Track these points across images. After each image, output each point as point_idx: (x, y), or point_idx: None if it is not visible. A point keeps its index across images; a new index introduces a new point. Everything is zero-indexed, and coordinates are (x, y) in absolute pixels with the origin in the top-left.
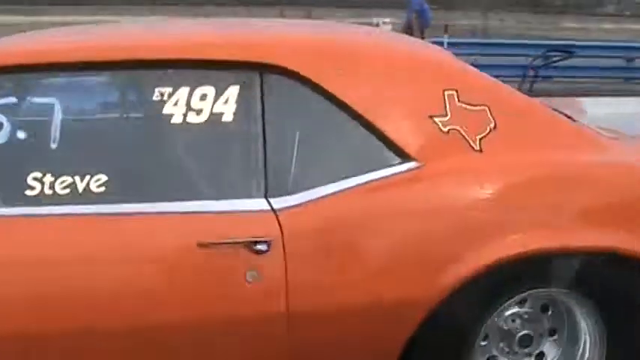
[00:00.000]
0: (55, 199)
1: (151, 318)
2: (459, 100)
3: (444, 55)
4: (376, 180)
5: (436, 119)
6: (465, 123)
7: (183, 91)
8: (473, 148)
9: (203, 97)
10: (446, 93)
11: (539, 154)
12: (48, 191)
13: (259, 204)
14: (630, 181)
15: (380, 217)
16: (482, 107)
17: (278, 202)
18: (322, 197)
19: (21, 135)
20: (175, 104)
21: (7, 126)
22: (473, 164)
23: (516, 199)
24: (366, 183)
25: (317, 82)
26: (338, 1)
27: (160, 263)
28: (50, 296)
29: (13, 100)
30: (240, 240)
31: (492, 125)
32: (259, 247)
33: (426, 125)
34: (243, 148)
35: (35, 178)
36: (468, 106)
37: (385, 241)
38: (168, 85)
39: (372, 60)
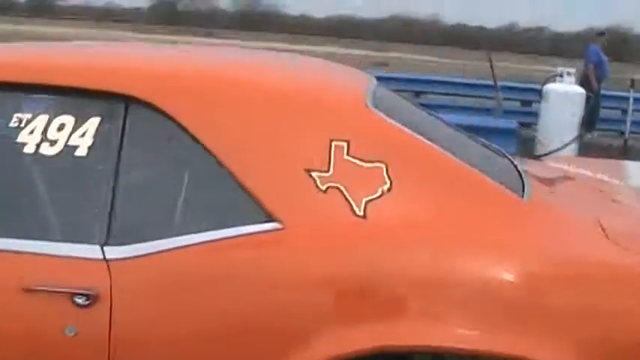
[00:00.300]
0: None
1: None
2: (347, 154)
3: (354, 93)
4: (229, 238)
5: (314, 174)
6: (350, 181)
7: (41, 119)
8: (354, 212)
9: (61, 128)
10: (333, 143)
11: (436, 228)
12: None
13: (92, 251)
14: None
15: (220, 280)
16: (377, 164)
17: (114, 252)
18: (165, 250)
19: None
20: (31, 132)
21: None
22: (347, 232)
23: (384, 283)
24: (218, 240)
25: (177, 119)
26: (514, 46)
27: None
28: None
29: None
30: (60, 289)
31: (386, 187)
32: (78, 299)
33: (299, 180)
34: (92, 187)
35: None
36: (359, 162)
37: (218, 306)
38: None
39: (245, 95)
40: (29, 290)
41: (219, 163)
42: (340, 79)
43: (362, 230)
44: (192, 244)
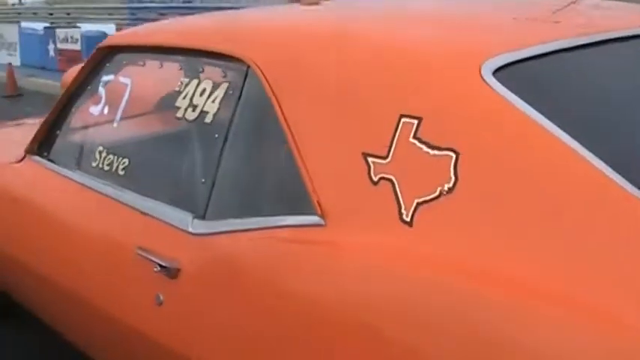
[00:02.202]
0: (101, 174)
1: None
2: (415, 136)
3: (473, 56)
4: (278, 227)
5: (370, 160)
6: (407, 173)
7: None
8: (400, 216)
9: (202, 92)
10: (402, 120)
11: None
12: (101, 165)
13: (186, 223)
14: None
15: (260, 271)
16: (446, 153)
17: (201, 226)
18: (233, 231)
19: (104, 110)
20: (184, 97)
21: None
22: (384, 244)
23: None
24: (268, 228)
25: (273, 87)
26: None
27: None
28: None
29: (109, 78)
30: (155, 257)
31: (449, 186)
32: (165, 270)
33: (353, 166)
34: (208, 157)
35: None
36: (425, 147)
37: (258, 296)
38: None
39: (331, 57)
40: (137, 249)
41: (293, 139)
42: (473, 34)
43: (401, 243)
44: (249, 229)
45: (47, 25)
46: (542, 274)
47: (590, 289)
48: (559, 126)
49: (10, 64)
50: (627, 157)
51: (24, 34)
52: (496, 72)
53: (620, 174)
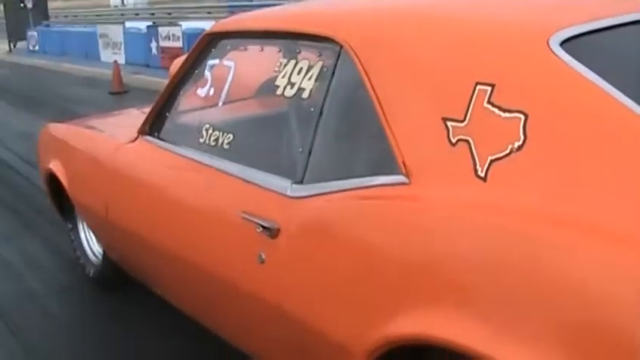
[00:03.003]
0: (208, 149)
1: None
2: (488, 101)
3: (541, 29)
4: (366, 187)
5: (449, 123)
6: (482, 134)
7: (290, 64)
8: (475, 172)
9: (300, 71)
10: (478, 87)
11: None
12: (207, 141)
13: (284, 188)
14: None
15: (350, 229)
16: (515, 115)
17: (297, 190)
18: (326, 193)
19: (210, 92)
20: (283, 76)
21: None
22: (463, 198)
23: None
24: (357, 188)
25: (363, 63)
26: None
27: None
28: None
29: (214, 62)
30: (258, 219)
31: (519, 144)
32: (266, 231)
33: (434, 129)
34: (305, 128)
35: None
36: (497, 111)
37: (346, 254)
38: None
39: (417, 33)
40: (241, 213)
41: (381, 107)
42: (543, 10)
43: (477, 196)
44: (341, 190)
45: (150, 24)
46: (604, 218)
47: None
48: (618, 89)
49: (115, 62)
50: None
51: (128, 34)
52: (563, 43)
53: None
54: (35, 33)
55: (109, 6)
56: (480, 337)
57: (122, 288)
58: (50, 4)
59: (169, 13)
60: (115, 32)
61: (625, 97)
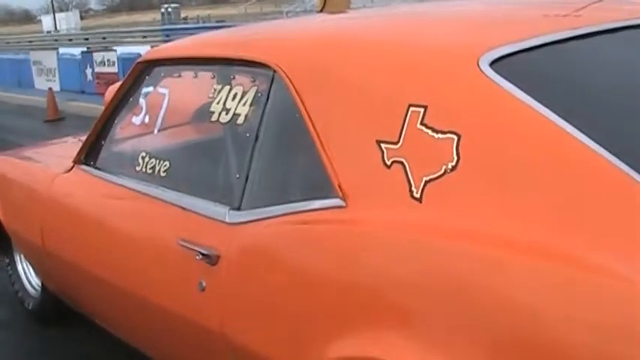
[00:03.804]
0: (144, 177)
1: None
2: (421, 122)
3: (468, 50)
4: (303, 212)
5: (383, 145)
6: (416, 155)
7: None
8: (411, 194)
9: (234, 97)
10: (411, 109)
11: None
12: (144, 169)
13: (222, 214)
14: None
15: (287, 254)
16: (448, 135)
17: (234, 216)
18: (261, 219)
19: (145, 119)
20: (217, 102)
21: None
22: (396, 220)
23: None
24: (294, 213)
25: (296, 86)
26: None
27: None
28: None
29: (148, 89)
30: (196, 247)
31: (452, 164)
32: (206, 258)
33: (369, 152)
34: (241, 154)
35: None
36: (431, 132)
37: (284, 279)
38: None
39: (348, 57)
40: (180, 241)
41: (315, 131)
42: (473, 31)
43: (413, 217)
44: (279, 215)
45: (84, 49)
46: (531, 234)
47: (568, 242)
48: (547, 107)
49: (50, 89)
50: (614, 133)
51: (62, 60)
52: (493, 63)
53: (606, 149)
54: None
55: (41, 32)
56: (413, 358)
57: (62, 322)
58: None
59: (104, 38)
60: (49, 59)
61: (554, 115)
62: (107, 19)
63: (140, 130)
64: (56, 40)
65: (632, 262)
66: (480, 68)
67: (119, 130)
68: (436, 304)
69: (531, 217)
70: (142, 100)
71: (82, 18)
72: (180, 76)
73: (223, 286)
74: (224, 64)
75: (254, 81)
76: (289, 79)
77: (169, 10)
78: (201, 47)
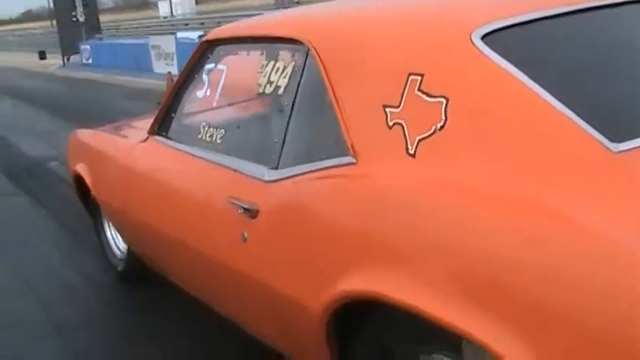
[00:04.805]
0: (204, 144)
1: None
2: (419, 88)
3: (462, 25)
4: (321, 169)
5: (387, 110)
6: (412, 118)
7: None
8: (407, 150)
9: (277, 71)
10: (410, 77)
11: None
12: (204, 137)
13: (262, 173)
14: None
15: (307, 208)
16: (438, 99)
17: (271, 174)
18: (290, 176)
19: (207, 93)
20: (264, 76)
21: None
22: (394, 173)
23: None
24: (314, 171)
25: (324, 60)
26: None
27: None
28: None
29: (210, 66)
30: (242, 203)
31: (440, 125)
32: (248, 212)
33: (376, 116)
34: (280, 121)
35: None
36: (424, 97)
37: (303, 230)
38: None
39: (364, 31)
40: (229, 199)
41: (335, 99)
42: (469, 9)
43: (408, 171)
44: (305, 172)
45: (200, 34)
46: (508, 186)
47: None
48: (527, 75)
49: (169, 72)
50: (585, 98)
51: (180, 44)
52: (485, 36)
53: (581, 117)
54: (88, 46)
55: (158, 17)
56: (407, 291)
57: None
58: (102, 17)
59: (219, 22)
60: (167, 43)
61: (531, 82)
62: (221, 3)
63: (202, 103)
64: (173, 25)
65: (581, 209)
66: (471, 40)
67: (185, 103)
68: (421, 244)
69: (504, 170)
70: (204, 76)
71: (196, 3)
72: (236, 53)
73: (262, 237)
74: (268, 42)
75: (292, 56)
76: (318, 54)
77: None
78: (253, 27)
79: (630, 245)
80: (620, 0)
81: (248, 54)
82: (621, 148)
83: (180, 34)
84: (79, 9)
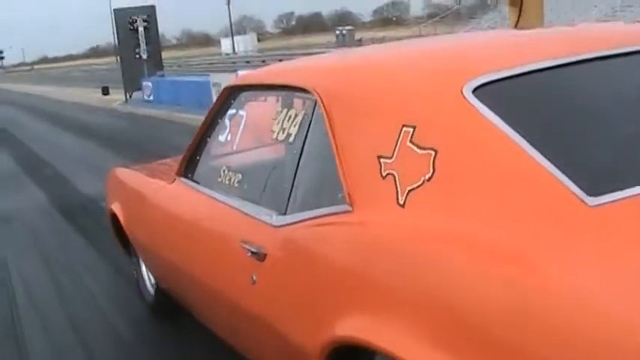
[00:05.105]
0: (224, 188)
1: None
2: (410, 140)
3: (454, 78)
4: (321, 216)
5: (382, 160)
6: (403, 169)
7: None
8: (397, 200)
9: (289, 119)
10: (403, 129)
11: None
12: (224, 181)
13: (270, 217)
14: None
15: (305, 254)
16: (428, 152)
17: (279, 219)
18: (298, 222)
19: (227, 138)
20: (278, 123)
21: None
22: (385, 221)
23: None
24: (315, 217)
25: (327, 106)
26: None
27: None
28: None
29: (232, 111)
30: (251, 246)
31: (429, 176)
32: (256, 255)
33: (371, 166)
34: (290, 167)
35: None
36: (416, 148)
37: (302, 274)
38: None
39: (367, 80)
40: (241, 242)
41: (337, 149)
42: (465, 59)
43: (398, 220)
44: (308, 218)
45: None
46: (480, 233)
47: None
48: (516, 130)
49: None
50: (570, 154)
51: None
52: (476, 90)
53: (561, 171)
54: (150, 83)
55: (220, 54)
56: (386, 337)
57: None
58: (164, 54)
59: (280, 60)
60: (228, 81)
61: (519, 137)
62: (283, 41)
63: (223, 147)
64: (234, 63)
65: (552, 259)
66: (463, 94)
67: (209, 146)
68: (402, 296)
69: (485, 221)
70: (226, 121)
71: (258, 40)
72: (254, 100)
73: (267, 280)
74: (283, 90)
75: (302, 104)
76: (322, 101)
77: (344, 32)
78: (269, 75)
79: (593, 295)
80: (605, 53)
81: (265, 101)
82: (597, 202)
83: (240, 72)
84: (143, 46)
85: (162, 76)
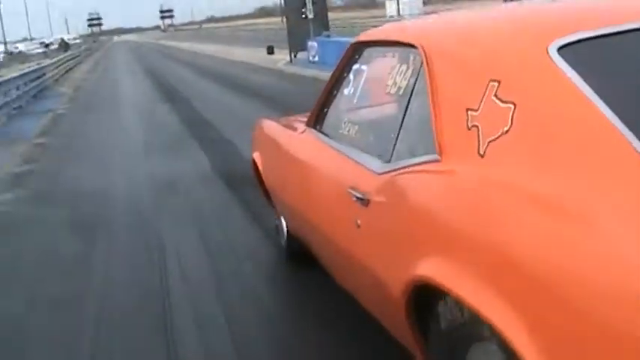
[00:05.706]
0: (344, 138)
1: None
2: (494, 94)
3: (541, 36)
4: (416, 164)
5: (469, 112)
6: (486, 121)
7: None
8: (478, 151)
9: (400, 73)
10: (490, 83)
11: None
12: (344, 132)
13: (376, 165)
14: None
15: (400, 200)
16: (508, 105)
17: (381, 167)
18: (396, 169)
19: (350, 91)
20: (391, 77)
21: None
22: (466, 171)
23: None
24: (409, 166)
25: (429, 62)
26: None
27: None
28: None
29: (356, 66)
30: (357, 192)
31: (506, 129)
32: (361, 201)
33: (460, 118)
34: (398, 118)
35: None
36: (498, 102)
37: (393, 218)
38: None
39: (462, 40)
40: (348, 189)
41: (433, 102)
42: (553, 20)
43: (477, 169)
44: (405, 166)
45: None
46: (548, 188)
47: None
48: (594, 89)
49: None
50: None
51: None
52: (561, 48)
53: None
54: (315, 43)
55: (384, 16)
56: (454, 279)
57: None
58: (330, 15)
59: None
60: None
61: (597, 98)
62: (449, 4)
63: (345, 101)
64: None
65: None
66: (548, 52)
67: (334, 99)
68: (471, 242)
69: (555, 175)
70: (350, 75)
71: (424, 3)
72: (375, 55)
73: (369, 225)
74: (397, 46)
75: (412, 59)
76: (425, 56)
77: None
78: (388, 32)
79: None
80: None
81: (383, 56)
82: None
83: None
84: (309, 6)
85: (329, 36)
